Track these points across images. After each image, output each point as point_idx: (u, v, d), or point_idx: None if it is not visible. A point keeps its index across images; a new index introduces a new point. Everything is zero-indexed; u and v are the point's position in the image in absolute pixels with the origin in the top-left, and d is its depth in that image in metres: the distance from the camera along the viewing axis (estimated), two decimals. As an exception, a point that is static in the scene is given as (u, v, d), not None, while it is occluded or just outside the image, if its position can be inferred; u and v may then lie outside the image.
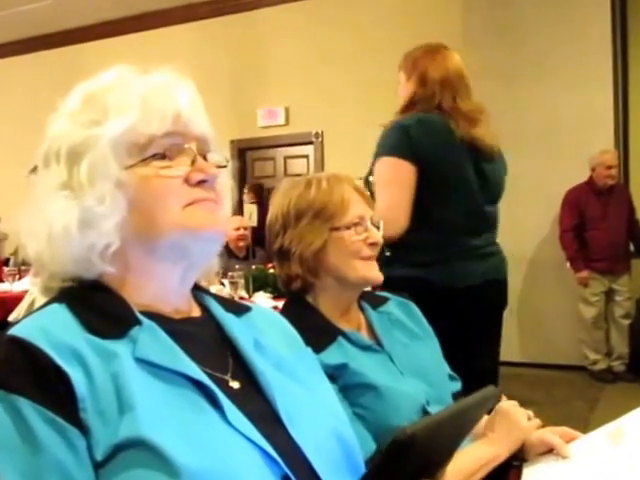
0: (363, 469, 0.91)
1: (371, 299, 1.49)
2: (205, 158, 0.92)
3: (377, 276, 1.39)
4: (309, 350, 1.06)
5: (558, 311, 5.40)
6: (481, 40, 5.50)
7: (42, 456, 0.70)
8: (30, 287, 4.03)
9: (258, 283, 4.18)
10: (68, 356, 0.75)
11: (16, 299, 4.17)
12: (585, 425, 4.05)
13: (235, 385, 0.87)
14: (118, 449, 0.72)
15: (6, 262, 5.28)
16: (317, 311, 1.39)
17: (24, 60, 8.23)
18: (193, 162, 0.89)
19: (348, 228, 1.36)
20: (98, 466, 0.72)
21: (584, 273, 5.04)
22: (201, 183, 0.88)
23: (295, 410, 0.87)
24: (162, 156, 0.87)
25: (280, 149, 6.96)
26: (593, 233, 5.05)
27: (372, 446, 1.24)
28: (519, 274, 5.28)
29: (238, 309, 1.00)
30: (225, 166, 0.96)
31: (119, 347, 0.79)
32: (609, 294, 5.16)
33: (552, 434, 1.29)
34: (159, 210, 0.85)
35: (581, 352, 5.25)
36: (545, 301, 5.44)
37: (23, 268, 4.34)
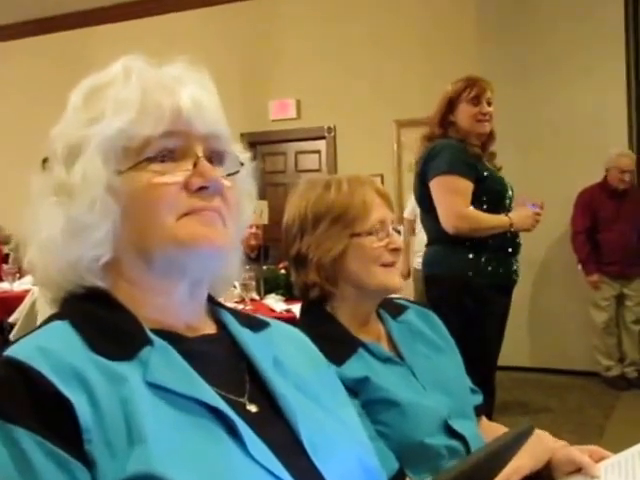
0: None
1: (390, 308, 1.42)
2: (211, 161, 0.82)
3: (397, 284, 1.32)
4: (331, 369, 0.99)
5: (569, 315, 5.31)
6: (497, 38, 5.43)
7: None
8: (32, 287, 3.94)
9: (269, 285, 4.12)
10: (71, 380, 0.68)
11: (17, 299, 4.05)
12: (600, 433, 3.99)
13: (253, 409, 0.79)
14: None
15: (5, 258, 5.10)
16: (336, 321, 1.32)
17: (23, 45, 7.81)
18: (195, 165, 0.80)
19: (369, 234, 1.29)
20: None
21: (595, 277, 4.95)
22: (201, 190, 0.80)
23: (319, 438, 0.80)
24: (161, 159, 0.79)
25: (291, 144, 6.87)
26: (605, 235, 4.96)
27: (395, 465, 1.17)
28: (530, 276, 5.19)
29: (256, 324, 0.93)
30: (237, 172, 0.87)
31: (128, 370, 0.72)
32: (620, 299, 5.07)
33: (581, 452, 1.23)
34: (152, 221, 0.78)
35: (593, 358, 5.16)
36: (556, 305, 5.35)
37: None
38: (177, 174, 0.79)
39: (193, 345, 0.80)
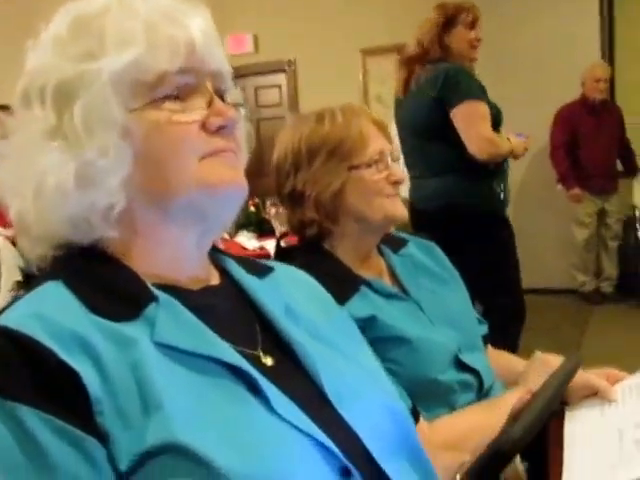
0: (421, 450, 0.80)
1: (390, 242, 1.36)
2: (222, 99, 0.76)
3: (403, 213, 1.26)
4: (344, 312, 0.93)
5: (549, 234, 5.36)
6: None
7: (54, 474, 0.57)
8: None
9: (239, 222, 4.04)
10: (74, 347, 0.61)
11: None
12: (577, 349, 4.07)
13: (268, 361, 0.74)
14: (147, 457, 0.59)
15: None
16: (336, 259, 1.25)
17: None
18: (209, 104, 0.73)
19: (368, 166, 1.22)
20: (123, 477, 0.59)
21: (576, 190, 4.96)
22: (220, 130, 0.73)
23: (342, 386, 0.75)
24: (175, 97, 0.72)
25: (249, 78, 6.66)
26: (585, 151, 4.95)
27: (408, 403, 1.14)
28: (510, 197, 5.18)
29: (261, 270, 0.86)
30: (243, 105, 0.81)
31: (134, 331, 0.65)
32: (601, 215, 5.11)
33: (597, 376, 1.21)
34: (173, 163, 0.70)
35: (570, 275, 5.24)
36: (536, 224, 5.37)
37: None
38: (195, 112, 0.72)
39: (199, 298, 0.74)
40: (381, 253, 1.34)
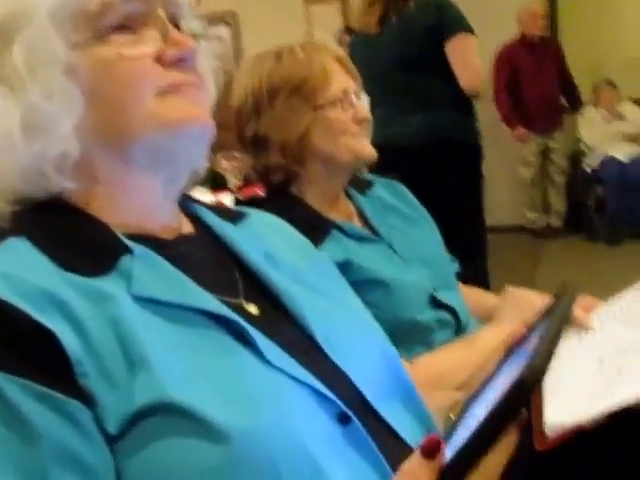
0: (413, 390, 0.78)
1: (357, 184, 1.33)
2: (178, 27, 0.69)
3: (371, 152, 1.22)
4: (324, 255, 0.90)
5: (497, 174, 5.39)
6: None
7: (40, 443, 0.52)
8: None
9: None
10: (47, 306, 0.56)
11: None
12: (532, 285, 4.15)
13: (252, 310, 0.70)
14: (138, 418, 0.55)
15: None
16: (305, 203, 1.22)
17: None
18: (164, 34, 0.66)
19: (333, 105, 1.17)
20: (113, 440, 0.55)
21: (520, 129, 5.00)
22: (179, 62, 0.67)
23: (332, 332, 0.72)
24: (124, 28, 0.65)
25: (191, 31, 6.45)
26: (527, 90, 4.97)
27: (386, 346, 1.13)
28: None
29: (234, 216, 0.82)
30: (203, 34, 0.74)
31: (109, 285, 0.60)
32: (545, 153, 5.18)
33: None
34: (127, 103, 0.64)
35: (520, 212, 5.32)
36: (484, 164, 5.40)
37: None
38: (147, 44, 0.65)
39: (174, 248, 0.69)
40: (349, 196, 1.30)
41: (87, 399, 0.55)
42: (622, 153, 4.92)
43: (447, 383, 1.08)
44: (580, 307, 1.21)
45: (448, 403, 0.88)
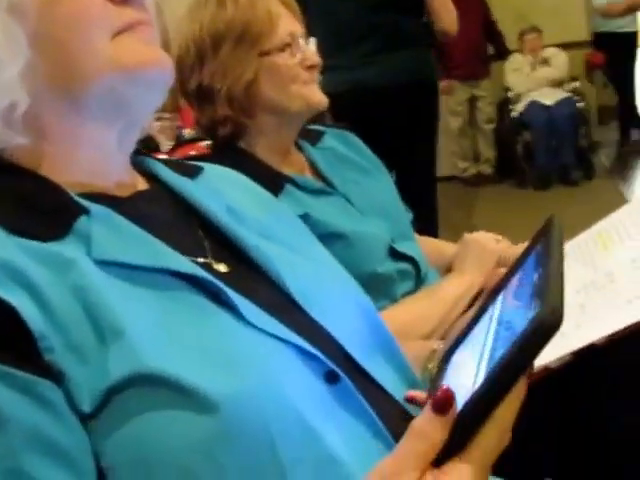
0: (393, 341, 0.75)
1: (306, 136, 1.27)
2: None
3: (322, 99, 1.17)
4: (286, 207, 0.85)
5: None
6: None
7: (8, 428, 0.47)
8: None
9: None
10: (1, 276, 0.50)
11: None
12: (468, 231, 4.19)
13: (222, 268, 0.65)
14: (114, 392, 0.50)
15: None
16: (255, 157, 1.16)
17: None
18: None
19: (281, 50, 1.10)
20: (87, 419, 0.50)
21: (444, 82, 5.01)
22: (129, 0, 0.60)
23: (307, 287, 0.67)
24: None
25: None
26: (452, 39, 4.97)
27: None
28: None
29: (190, 170, 0.76)
30: None
31: (67, 250, 0.54)
32: (472, 101, 5.22)
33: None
34: (79, 44, 0.58)
35: (452, 162, 5.37)
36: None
37: None
38: None
39: (132, 206, 0.63)
40: (299, 148, 1.25)
41: (56, 376, 0.49)
42: (548, 98, 5.00)
43: (411, 335, 1.06)
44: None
45: (423, 353, 0.85)
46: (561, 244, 0.55)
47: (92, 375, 0.50)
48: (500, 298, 0.64)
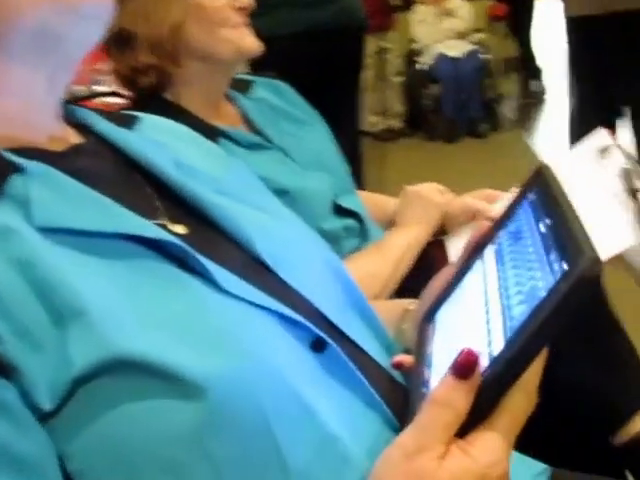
0: (364, 301, 0.70)
1: (236, 86, 1.17)
2: None
3: (254, 44, 1.07)
4: (240, 162, 0.76)
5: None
6: None
7: None
8: None
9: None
10: None
11: None
12: (381, 187, 4.20)
13: (181, 231, 0.56)
14: (79, 383, 0.42)
15: None
16: (183, 109, 1.05)
17: None
18: None
19: None
20: (48, 417, 0.42)
21: None
22: None
23: (275, 247, 0.60)
24: None
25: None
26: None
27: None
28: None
29: (126, 120, 0.66)
30: None
31: (2, 216, 0.45)
32: (380, 54, 5.18)
33: (473, 199, 1.18)
34: None
35: (361, 117, 5.33)
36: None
37: None
38: None
39: (70, 161, 0.54)
40: (230, 100, 1.15)
41: (6, 370, 0.41)
42: (453, 50, 5.02)
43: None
44: (483, 199, 1.17)
45: (395, 313, 0.80)
46: (563, 193, 0.51)
47: (50, 365, 0.42)
48: (489, 253, 0.58)
